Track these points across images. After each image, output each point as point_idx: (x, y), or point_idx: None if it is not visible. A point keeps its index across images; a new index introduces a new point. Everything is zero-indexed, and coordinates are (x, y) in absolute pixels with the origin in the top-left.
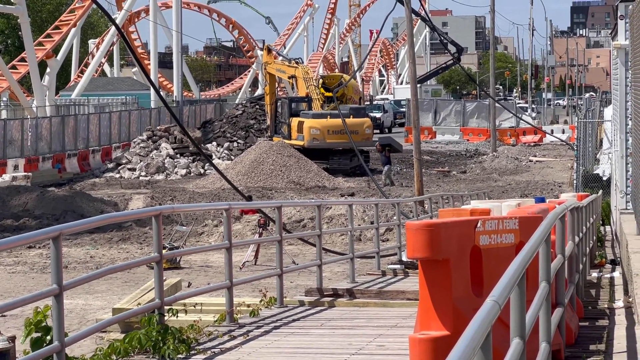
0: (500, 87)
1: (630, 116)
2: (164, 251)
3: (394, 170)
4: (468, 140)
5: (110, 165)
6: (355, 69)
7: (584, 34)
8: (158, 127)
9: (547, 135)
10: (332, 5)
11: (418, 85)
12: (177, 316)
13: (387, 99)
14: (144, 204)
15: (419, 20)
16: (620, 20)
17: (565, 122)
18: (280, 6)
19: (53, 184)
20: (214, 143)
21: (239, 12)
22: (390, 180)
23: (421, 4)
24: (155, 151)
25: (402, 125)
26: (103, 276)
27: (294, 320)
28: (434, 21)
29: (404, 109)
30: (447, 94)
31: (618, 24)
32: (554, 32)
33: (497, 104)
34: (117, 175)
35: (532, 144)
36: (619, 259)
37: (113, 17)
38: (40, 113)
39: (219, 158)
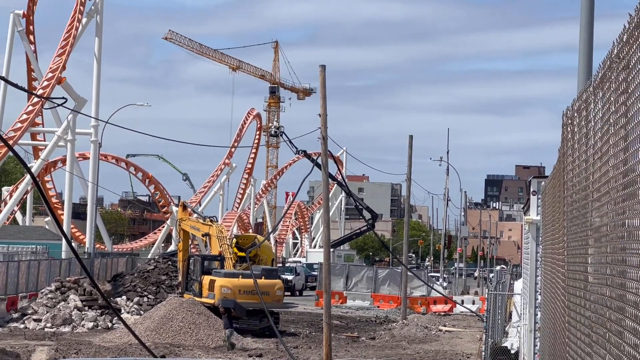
0: (413, 255)
1: (539, 291)
2: None
3: (233, 336)
4: (379, 306)
5: (15, 315)
6: (270, 230)
7: (497, 207)
8: (67, 278)
9: (457, 305)
10: (250, 166)
11: (331, 249)
12: None
13: (300, 262)
14: (47, 357)
15: (335, 185)
16: (532, 195)
17: (476, 293)
18: (198, 163)
19: None
20: (124, 297)
21: (157, 167)
22: (230, 344)
23: (338, 169)
24: (63, 302)
25: (313, 288)
26: None
27: None
28: (350, 186)
29: (315, 273)
30: (360, 259)
31: (530, 199)
32: (468, 204)
33: (409, 272)
34: (22, 326)
35: (442, 313)
36: None
37: (29, 165)
38: None
39: (128, 312)
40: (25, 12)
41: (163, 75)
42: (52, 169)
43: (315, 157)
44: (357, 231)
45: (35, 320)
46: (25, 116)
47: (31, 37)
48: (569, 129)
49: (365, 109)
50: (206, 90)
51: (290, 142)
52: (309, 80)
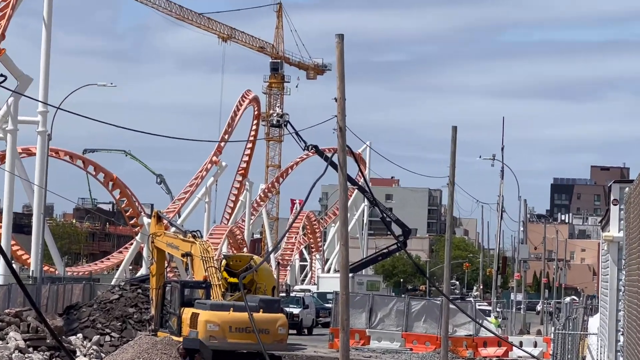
0: (457, 282)
1: (622, 330)
2: None
3: None
4: (412, 349)
5: None
6: (270, 249)
7: (566, 220)
8: (7, 311)
9: (514, 348)
10: (244, 165)
11: (350, 274)
12: None
13: (309, 291)
14: None
15: (356, 190)
16: (613, 205)
17: (539, 333)
18: (176, 162)
19: None
20: (80, 335)
21: (123, 166)
22: None
23: (360, 170)
24: (0, 342)
25: (326, 325)
26: None
27: None
28: (375, 192)
29: (329, 305)
30: (388, 287)
31: (610, 210)
32: (528, 216)
33: (451, 305)
34: None
35: (494, 358)
36: None
37: None
38: None
39: (84, 355)
40: None
41: (133, 47)
42: None
43: (329, 155)
44: (385, 251)
45: None
46: None
47: None
48: None
49: (396, 92)
50: (189, 67)
51: (297, 134)
52: (322, 54)
